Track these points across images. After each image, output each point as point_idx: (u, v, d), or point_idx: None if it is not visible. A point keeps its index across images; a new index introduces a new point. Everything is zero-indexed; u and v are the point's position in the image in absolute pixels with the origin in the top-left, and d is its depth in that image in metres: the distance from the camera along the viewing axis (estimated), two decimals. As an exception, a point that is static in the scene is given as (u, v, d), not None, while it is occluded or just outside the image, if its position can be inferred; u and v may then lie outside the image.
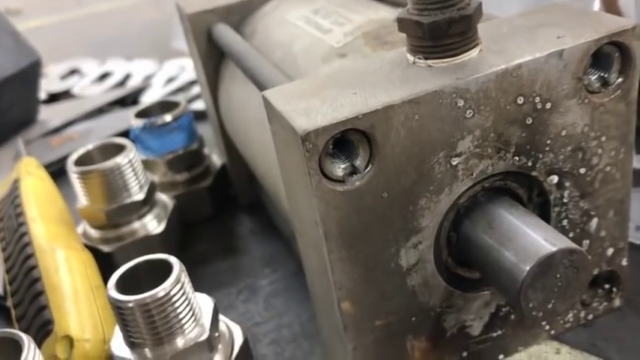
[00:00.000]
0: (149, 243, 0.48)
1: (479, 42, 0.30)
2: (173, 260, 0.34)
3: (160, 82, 0.82)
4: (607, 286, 0.37)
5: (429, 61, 0.30)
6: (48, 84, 0.87)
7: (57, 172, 0.63)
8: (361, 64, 0.32)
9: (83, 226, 0.50)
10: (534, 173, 0.32)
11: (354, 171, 0.28)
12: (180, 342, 0.34)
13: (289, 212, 0.34)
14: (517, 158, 0.31)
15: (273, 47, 0.44)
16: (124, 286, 0.34)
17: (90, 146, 0.49)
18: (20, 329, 0.41)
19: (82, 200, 0.48)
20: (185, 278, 0.34)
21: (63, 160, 0.67)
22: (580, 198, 0.33)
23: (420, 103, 0.28)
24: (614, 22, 0.31)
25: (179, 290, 0.33)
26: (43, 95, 0.84)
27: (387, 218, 0.29)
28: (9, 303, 0.47)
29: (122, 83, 0.85)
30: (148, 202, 0.49)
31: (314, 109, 0.28)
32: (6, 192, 0.53)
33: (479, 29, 0.30)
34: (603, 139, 0.32)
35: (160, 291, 0.33)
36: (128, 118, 0.74)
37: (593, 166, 0.33)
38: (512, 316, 0.35)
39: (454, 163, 0.30)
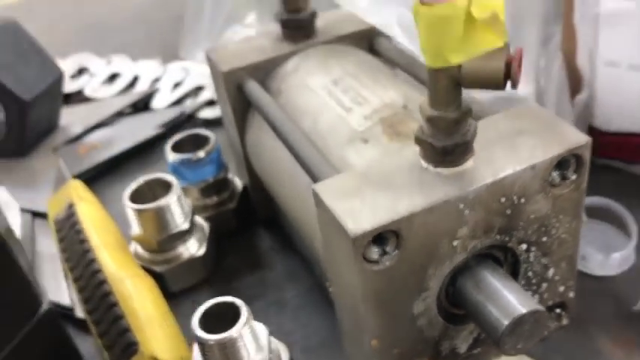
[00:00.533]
0: (193, 264, 0.59)
1: (473, 153, 0.41)
2: (240, 304, 0.45)
3: (167, 86, 0.89)
4: (558, 311, 0.50)
5: (438, 169, 0.41)
6: (59, 83, 0.93)
7: (89, 179, 0.72)
8: (385, 163, 0.43)
9: (134, 247, 0.61)
10: (510, 244, 0.43)
11: (384, 253, 0.39)
12: (246, 364, 0.45)
13: (326, 269, 0.45)
14: (498, 236, 0.42)
15: (300, 114, 0.53)
16: (203, 321, 0.45)
17: (141, 180, 0.59)
18: (104, 345, 0.52)
19: (136, 229, 0.58)
20: (250, 318, 0.45)
21: (91, 171, 0.76)
22: (542, 256, 0.45)
23: (434, 209, 0.39)
24: (574, 137, 0.42)
25: (247, 327, 0.44)
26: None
27: (406, 283, 0.41)
28: (79, 314, 0.58)
29: (130, 85, 0.92)
30: (192, 230, 0.59)
31: (357, 211, 0.39)
32: (62, 215, 0.62)
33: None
34: (561, 216, 0.44)
35: (234, 331, 0.44)
36: (143, 127, 0.83)
37: (552, 235, 0.45)
38: (488, 340, 0.47)
39: (454, 244, 0.41)
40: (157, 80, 0.92)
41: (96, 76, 0.95)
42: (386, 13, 0.57)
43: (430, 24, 0.33)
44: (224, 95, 0.60)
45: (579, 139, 0.42)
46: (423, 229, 0.39)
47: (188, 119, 0.84)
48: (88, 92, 0.92)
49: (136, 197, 0.58)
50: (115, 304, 0.52)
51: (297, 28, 0.59)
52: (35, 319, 0.48)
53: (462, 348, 0.47)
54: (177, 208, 0.57)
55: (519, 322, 0.40)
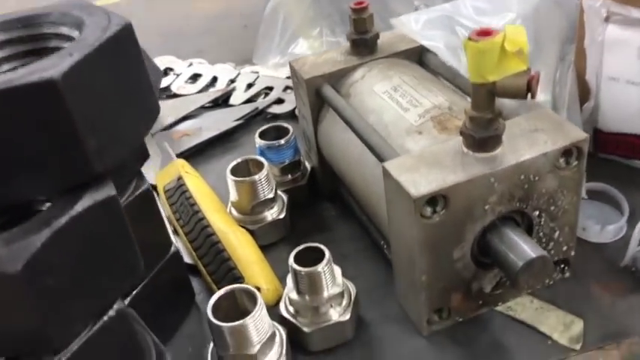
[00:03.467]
0: (276, 225, 0.75)
1: (502, 143, 0.57)
2: (324, 248, 0.62)
3: (241, 86, 1.06)
4: (562, 266, 0.65)
5: (476, 154, 0.57)
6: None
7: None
8: (436, 148, 0.59)
9: (230, 210, 0.77)
10: (526, 210, 0.59)
11: (435, 212, 0.55)
12: (325, 293, 0.61)
13: (388, 227, 0.61)
14: (518, 204, 0.58)
15: (367, 112, 0.69)
16: (297, 259, 0.61)
17: (239, 160, 0.76)
18: (214, 281, 0.68)
19: (234, 196, 0.75)
20: (331, 259, 0.61)
21: (185, 152, 0.93)
22: (550, 221, 0.61)
23: (472, 181, 0.55)
24: (576, 133, 0.57)
25: (328, 266, 0.61)
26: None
27: (449, 235, 0.57)
28: (188, 259, 0.74)
29: (210, 84, 1.09)
30: (275, 199, 0.76)
31: (417, 181, 0.55)
32: (173, 185, 0.79)
33: (502, 135, 0.57)
34: (565, 192, 0.60)
35: (319, 266, 0.60)
36: (225, 119, 0.99)
37: (558, 205, 0.60)
38: (508, 282, 0.63)
39: (485, 208, 0.57)
40: (232, 81, 1.08)
41: (180, 75, 1.12)
42: (434, 35, 0.73)
43: (475, 54, 0.49)
44: (304, 97, 0.76)
45: (580, 135, 0.58)
46: (463, 195, 0.55)
47: (260, 113, 1.01)
48: (174, 89, 1.09)
49: (235, 171, 0.75)
50: (223, 250, 0.69)
51: (364, 45, 0.76)
52: (168, 256, 0.65)
53: (487, 288, 0.63)
54: (265, 181, 0.74)
55: (531, 264, 0.55)
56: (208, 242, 0.70)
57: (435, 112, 0.65)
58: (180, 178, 0.78)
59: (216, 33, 1.31)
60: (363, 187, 0.70)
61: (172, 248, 0.66)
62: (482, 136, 0.55)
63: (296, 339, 0.62)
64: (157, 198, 0.64)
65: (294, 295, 0.62)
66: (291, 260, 0.61)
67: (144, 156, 0.62)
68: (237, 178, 0.73)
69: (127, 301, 0.61)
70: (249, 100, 1.04)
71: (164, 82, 1.10)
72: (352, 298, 0.63)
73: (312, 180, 0.83)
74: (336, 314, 0.62)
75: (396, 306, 0.66)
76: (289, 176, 0.81)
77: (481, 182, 0.55)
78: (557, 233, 0.62)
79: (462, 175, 0.55)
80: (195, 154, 0.94)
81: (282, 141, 0.78)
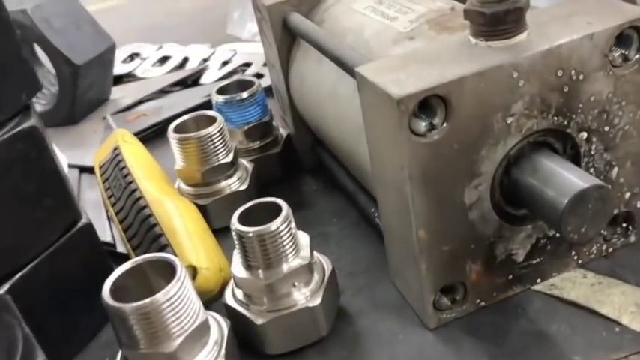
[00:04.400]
0: (236, 198, 0.57)
1: (527, 27, 0.39)
2: (281, 202, 0.43)
3: (215, 64, 0.91)
4: (624, 224, 0.46)
5: (489, 42, 0.39)
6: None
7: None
8: (432, 45, 0.41)
9: (178, 184, 0.60)
10: (568, 130, 0.40)
11: (432, 127, 0.37)
12: (286, 266, 0.43)
13: (371, 163, 0.43)
14: (555, 118, 0.40)
15: (343, 33, 0.52)
16: (243, 221, 0.43)
17: (186, 117, 0.59)
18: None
19: (179, 162, 0.58)
20: (291, 217, 0.43)
21: (140, 133, 0.77)
22: (604, 151, 0.42)
23: (486, 74, 0.37)
24: (633, 10, 0.39)
25: (287, 226, 0.42)
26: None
27: (456, 164, 0.38)
28: (121, 249, 0.57)
29: (180, 66, 0.94)
30: (234, 165, 0.58)
31: (402, 80, 0.37)
32: (108, 157, 0.62)
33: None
34: (623, 103, 0.41)
35: (272, 225, 0.42)
36: (192, 97, 0.83)
37: (614, 125, 0.41)
38: (549, 247, 0.44)
39: (508, 122, 0.38)
40: (206, 60, 0.93)
41: (147, 59, 0.97)
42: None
43: None
44: (269, 34, 0.60)
45: (638, 11, 0.39)
46: (474, 97, 0.37)
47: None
48: (138, 73, 0.94)
49: (181, 131, 0.57)
50: (154, 225, 0.51)
51: (342, -37, 0.59)
52: (73, 230, 0.48)
53: (520, 255, 0.43)
54: (219, 140, 0.56)
55: (581, 198, 0.36)
56: (139, 218, 0.53)
57: (431, 15, 0.47)
58: (116, 149, 0.61)
59: (197, 25, 1.17)
60: (338, 129, 0.52)
61: (82, 220, 0.49)
62: (496, 10, 0.37)
63: (247, 337, 0.43)
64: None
65: (241, 273, 0.43)
66: (234, 220, 0.43)
67: (30, 86, 0.45)
68: (180, 135, 0.56)
69: (5, 287, 0.43)
70: (224, 79, 0.88)
71: (127, 68, 0.95)
72: (326, 275, 0.45)
73: (289, 150, 0.65)
74: (302, 297, 0.43)
75: (392, 291, 0.48)
76: (257, 143, 0.63)
77: (499, 78, 0.37)
78: (614, 170, 0.43)
79: (469, 67, 0.37)
80: (155, 138, 0.78)
81: (245, 94, 0.61)
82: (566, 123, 0.40)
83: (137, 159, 0.59)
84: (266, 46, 0.63)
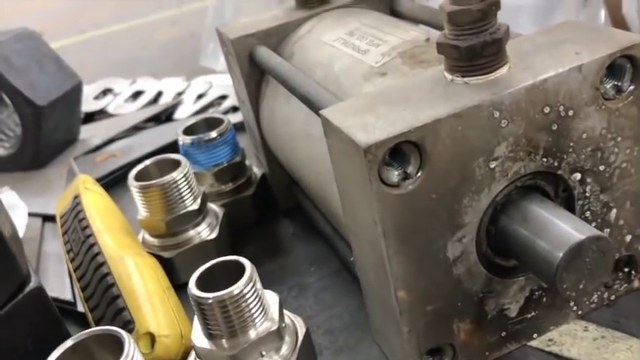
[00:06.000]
0: (205, 248, 0.53)
1: (508, 60, 0.35)
2: (245, 261, 0.39)
3: (190, 98, 0.87)
4: (626, 269, 0.41)
5: (466, 79, 0.34)
6: (83, 104, 0.91)
7: (104, 187, 0.67)
8: (404, 82, 0.37)
9: (142, 235, 0.55)
10: (560, 172, 0.36)
11: (406, 177, 0.33)
12: (252, 333, 0.38)
13: (343, 214, 0.39)
14: (545, 160, 0.36)
15: (313, 67, 0.48)
16: (202, 284, 0.38)
17: (147, 162, 0.54)
18: (100, 329, 0.46)
19: (142, 212, 0.53)
20: (256, 277, 0.39)
21: (108, 176, 0.72)
22: (600, 192, 0.38)
23: (463, 116, 0.32)
24: (625, 37, 0.35)
25: (251, 288, 0.38)
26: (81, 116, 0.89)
27: (435, 216, 0.34)
28: (81, 308, 0.52)
29: (154, 101, 0.90)
30: (202, 212, 0.54)
31: (370, 124, 0.33)
32: (68, 207, 0.58)
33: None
34: (619, 139, 0.37)
35: (235, 288, 0.37)
36: (164, 134, 0.79)
37: (610, 164, 0.37)
38: (544, 299, 0.39)
39: (492, 166, 0.34)
40: (180, 94, 0.89)
41: (120, 94, 0.93)
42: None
43: None
44: (236, 69, 0.56)
45: (632, 38, 0.35)
46: (451, 141, 0.33)
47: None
48: (111, 110, 0.90)
49: (142, 178, 0.53)
50: (112, 285, 0.46)
51: (311, -8, 0.55)
52: (21, 295, 0.43)
53: (513, 310, 0.39)
54: (185, 185, 0.52)
55: (578, 251, 0.32)
56: (97, 276, 0.48)
57: (405, 46, 0.43)
58: (76, 197, 0.57)
59: (172, 57, 1.13)
60: (312, 172, 0.48)
61: (31, 284, 0.44)
62: (472, 43, 0.33)
63: (212, 413, 0.39)
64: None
65: (203, 343, 0.39)
66: (191, 284, 0.38)
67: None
68: (141, 183, 0.52)
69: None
70: (199, 113, 0.84)
71: (99, 105, 0.91)
72: (299, 339, 0.40)
73: (264, 190, 0.61)
74: (272, 368, 0.38)
75: (375, 352, 0.43)
76: (229, 185, 0.59)
77: (479, 119, 0.33)
78: (612, 212, 0.39)
79: (444, 108, 0.33)
80: (123, 181, 0.73)
81: (213, 133, 0.57)
82: (556, 164, 0.36)
83: (98, 208, 0.55)
84: (235, 81, 0.59)
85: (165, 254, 0.52)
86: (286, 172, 0.59)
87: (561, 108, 0.35)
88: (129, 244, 0.51)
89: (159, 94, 0.90)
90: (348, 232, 0.39)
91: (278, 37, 0.54)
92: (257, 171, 0.62)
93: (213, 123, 0.59)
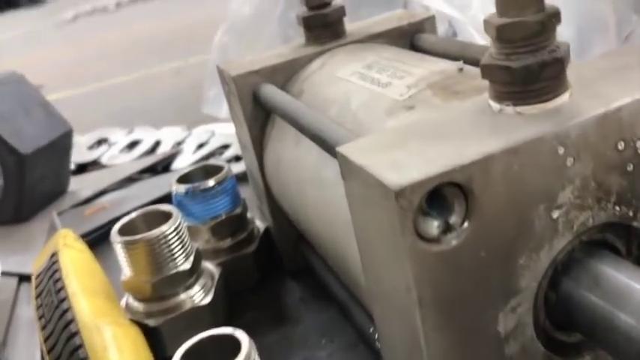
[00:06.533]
0: (197, 315, 0.45)
1: (569, 86, 0.28)
2: (241, 336, 0.32)
3: (190, 147, 0.81)
4: None
5: (518, 108, 0.28)
6: (75, 155, 0.85)
7: (92, 242, 0.60)
8: (438, 115, 0.30)
9: (126, 299, 0.48)
10: (635, 224, 0.29)
11: (449, 229, 0.26)
12: None
13: (365, 276, 0.31)
14: (618, 208, 0.28)
15: (326, 104, 0.42)
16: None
17: (134, 214, 0.47)
18: (67, 416, 0.38)
19: (126, 271, 0.46)
20: (255, 355, 0.31)
21: (97, 231, 0.65)
22: (685, 250, 0.31)
23: (520, 152, 0.26)
24: None
25: (250, 371, 0.30)
26: (71, 166, 0.83)
27: (485, 280, 0.27)
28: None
29: (152, 151, 0.84)
30: (195, 272, 0.46)
31: (402, 162, 0.26)
32: (43, 266, 0.51)
33: (563, 73, 0.28)
34: None
35: (229, 372, 0.30)
36: (160, 186, 0.72)
37: (697, 215, 0.30)
38: (618, 385, 0.32)
39: (555, 217, 0.27)
40: (180, 143, 0.83)
41: (115, 144, 0.87)
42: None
43: None
44: (238, 109, 0.50)
45: None
46: (505, 185, 0.26)
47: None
48: (104, 160, 0.84)
49: (128, 233, 0.46)
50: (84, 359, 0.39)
51: (323, 26, 0.50)
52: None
53: (578, 399, 0.31)
54: (176, 241, 0.45)
55: (675, 328, 0.25)
56: (68, 348, 0.40)
57: (434, 77, 0.37)
58: (54, 255, 0.50)
59: (175, 107, 1.08)
60: (323, 225, 0.40)
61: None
62: (528, 63, 0.27)
63: None
64: None
65: None
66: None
67: None
68: (125, 238, 0.45)
69: None
70: (199, 163, 0.77)
71: (93, 155, 0.85)
72: None
73: (267, 247, 0.54)
74: None
75: None
76: (228, 241, 0.52)
77: (539, 156, 0.26)
78: (700, 274, 0.31)
79: (496, 142, 0.26)
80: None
81: (211, 182, 0.50)
82: (631, 214, 0.29)
83: (77, 268, 0.48)
84: (237, 124, 0.53)
85: (151, 322, 0.45)
86: (293, 227, 0.51)
87: (639, 144, 0.28)
88: (108, 310, 0.43)
89: (157, 144, 0.84)
90: (369, 297, 0.32)
91: (285, 74, 0.48)
92: (260, 225, 0.55)
93: (211, 171, 0.52)
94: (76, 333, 0.41)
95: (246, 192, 0.56)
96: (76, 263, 0.49)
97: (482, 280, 0.27)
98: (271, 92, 0.46)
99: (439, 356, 0.27)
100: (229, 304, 0.49)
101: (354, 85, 0.41)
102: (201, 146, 0.81)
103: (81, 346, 0.40)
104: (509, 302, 0.28)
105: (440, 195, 0.26)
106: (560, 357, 0.30)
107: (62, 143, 0.71)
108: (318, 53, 0.49)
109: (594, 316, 0.27)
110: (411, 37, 0.51)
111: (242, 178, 0.65)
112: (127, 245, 0.45)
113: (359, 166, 0.27)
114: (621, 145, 0.27)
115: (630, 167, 0.28)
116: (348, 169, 0.29)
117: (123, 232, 0.46)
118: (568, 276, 0.29)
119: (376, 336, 0.38)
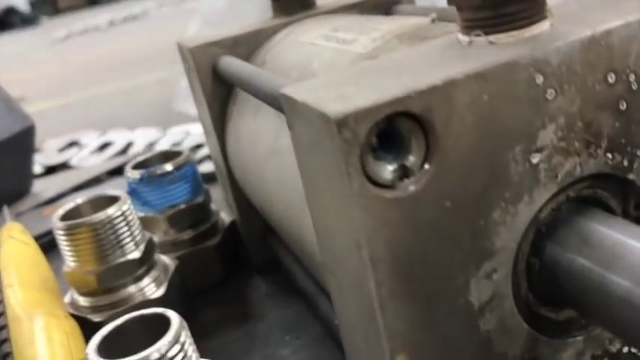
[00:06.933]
0: (149, 310, 0.40)
1: (548, 14, 0.24)
2: (171, 314, 0.27)
3: (163, 147, 0.76)
4: None
5: (491, 37, 0.24)
6: (45, 157, 0.82)
7: (49, 243, 0.55)
8: (403, 53, 0.26)
9: (71, 295, 0.43)
10: (631, 176, 0.25)
11: (406, 172, 0.22)
12: (182, 422, 0.26)
13: (317, 242, 0.27)
14: (610, 155, 0.24)
15: (286, 70, 0.38)
16: (109, 349, 0.26)
17: (79, 200, 0.43)
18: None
19: (69, 262, 0.41)
20: (186, 338, 0.26)
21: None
22: (689, 210, 0.26)
23: (490, 78, 0.21)
24: None
25: (178, 352, 0.26)
26: (39, 169, 0.79)
27: (452, 236, 0.22)
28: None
29: (124, 152, 0.79)
30: (146, 262, 0.42)
31: (350, 94, 0.22)
32: (-17, 260, 0.46)
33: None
34: None
35: (152, 353, 0.25)
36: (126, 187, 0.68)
37: (702, 168, 0.26)
38: (615, 369, 0.27)
39: (534, 161, 0.23)
40: (152, 144, 0.79)
41: (86, 147, 0.83)
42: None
43: None
44: (197, 87, 0.45)
45: None
46: (473, 118, 0.21)
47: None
48: (74, 162, 0.79)
49: (71, 218, 0.41)
50: (8, 354, 0.34)
51: (290, -4, 0.46)
52: None
53: (568, 386, 0.26)
54: (123, 226, 0.40)
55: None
56: (-5, 342, 0.35)
57: (403, 29, 0.33)
58: (-4, 248, 0.45)
59: (150, 110, 1.04)
60: (280, 198, 0.36)
61: None
62: (499, -20, 0.23)
63: None
64: None
65: None
66: (89, 349, 0.26)
67: None
68: (66, 223, 0.40)
69: None
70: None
71: (62, 158, 0.80)
72: None
73: (232, 240, 0.49)
74: None
75: None
76: (188, 232, 0.47)
77: (513, 84, 0.22)
78: None
79: (461, 67, 0.21)
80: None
81: (169, 166, 0.46)
82: (627, 164, 0.24)
83: (17, 260, 0.43)
84: (198, 105, 0.49)
85: (95, 317, 0.40)
86: (260, 218, 0.47)
87: (632, 77, 0.24)
88: (45, 301, 0.39)
89: (129, 146, 0.80)
90: (324, 270, 0.27)
91: (249, 46, 0.45)
92: (226, 217, 0.50)
93: (170, 157, 0.48)
94: (3, 326, 0.36)
95: (215, 193, 0.52)
96: (18, 255, 0.44)
97: (448, 236, 0.22)
98: (230, 63, 0.42)
99: (398, 329, 0.22)
100: (186, 301, 0.44)
101: (317, 47, 0.37)
102: (174, 146, 0.77)
103: (6, 340, 0.35)
104: (483, 266, 0.23)
105: (395, 133, 0.21)
106: (546, 336, 0.25)
107: (23, 139, 0.66)
108: (284, 24, 0.45)
109: (584, 282, 0.23)
110: (387, 9, 0.47)
111: (211, 178, 0.60)
112: (69, 230, 0.40)
113: (301, 103, 0.23)
114: (612, 78, 0.23)
115: (623, 105, 0.24)
116: (292, 112, 0.24)
117: (65, 217, 0.42)
118: (553, 238, 0.24)
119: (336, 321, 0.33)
